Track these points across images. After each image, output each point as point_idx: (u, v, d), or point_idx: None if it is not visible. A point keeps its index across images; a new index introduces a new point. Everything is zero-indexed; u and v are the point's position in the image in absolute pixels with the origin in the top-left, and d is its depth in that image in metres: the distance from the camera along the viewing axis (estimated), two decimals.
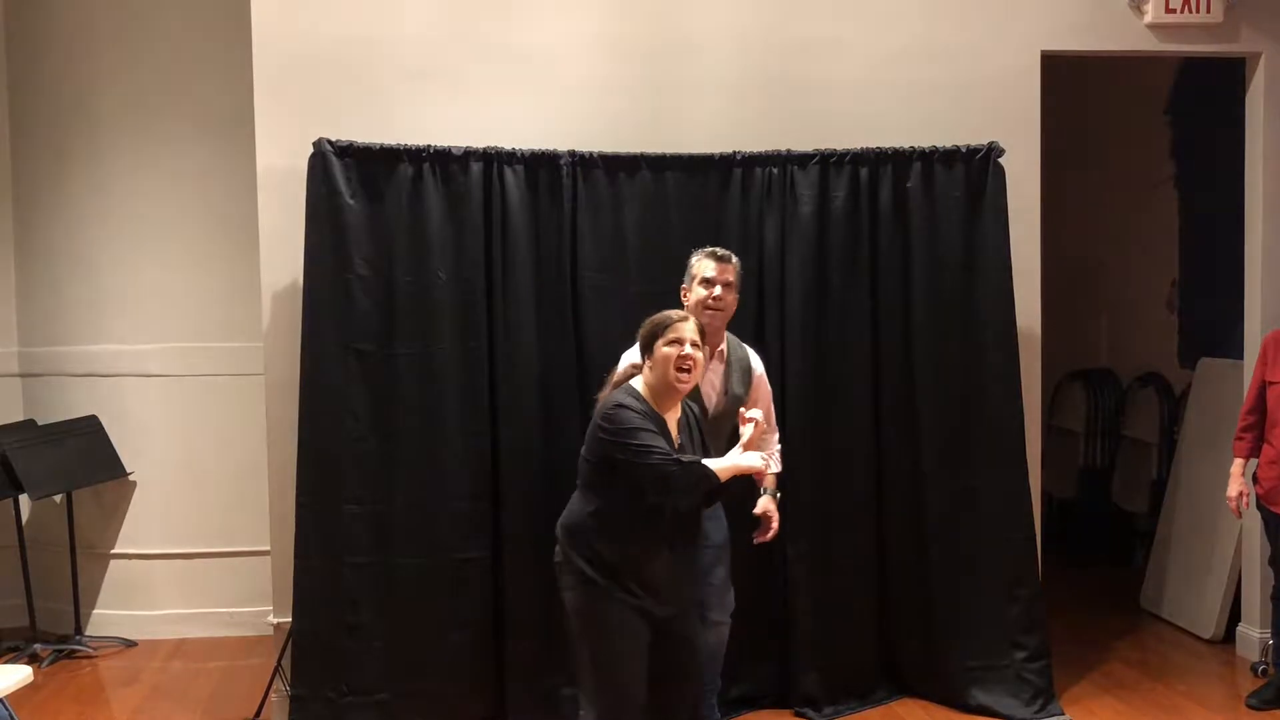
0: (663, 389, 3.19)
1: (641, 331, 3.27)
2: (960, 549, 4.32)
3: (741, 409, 3.36)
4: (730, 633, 4.06)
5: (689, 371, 3.17)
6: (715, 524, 3.92)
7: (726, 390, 3.87)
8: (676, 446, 3.20)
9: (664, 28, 4.46)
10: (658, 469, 3.05)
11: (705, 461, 3.14)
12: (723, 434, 3.87)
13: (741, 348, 3.98)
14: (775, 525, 3.77)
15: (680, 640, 3.23)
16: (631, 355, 3.84)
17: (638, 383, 3.24)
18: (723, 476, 3.12)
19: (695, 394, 3.79)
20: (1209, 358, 5.59)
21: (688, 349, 3.16)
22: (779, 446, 4.02)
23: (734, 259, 3.87)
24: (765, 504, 3.78)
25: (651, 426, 3.12)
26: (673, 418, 3.25)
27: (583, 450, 3.23)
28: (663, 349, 3.17)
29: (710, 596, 3.88)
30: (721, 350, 3.89)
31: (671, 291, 3.89)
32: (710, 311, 3.78)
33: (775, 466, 3.93)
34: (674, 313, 3.27)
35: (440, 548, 4.10)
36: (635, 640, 3.13)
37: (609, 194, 4.26)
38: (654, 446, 3.06)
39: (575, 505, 3.26)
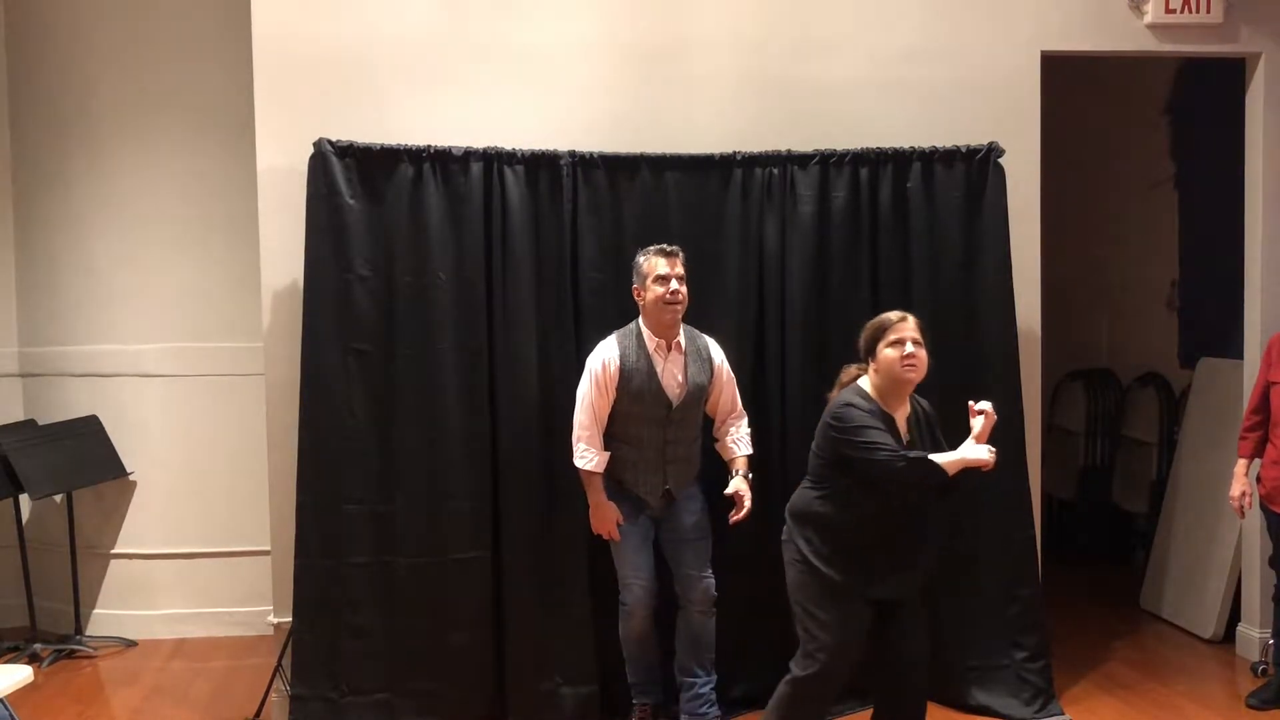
0: (889, 388, 3.35)
1: (863, 336, 3.43)
2: (960, 549, 4.32)
3: (971, 401, 3.40)
4: (729, 630, 4.07)
5: (915, 368, 3.32)
6: (689, 510, 4.01)
7: (687, 381, 3.96)
8: (906, 443, 3.35)
9: (664, 28, 4.46)
10: (885, 464, 3.20)
11: (933, 456, 3.24)
12: (689, 424, 4.00)
13: (700, 338, 4.07)
14: (748, 505, 3.91)
15: (898, 617, 3.42)
16: (600, 351, 3.94)
17: (865, 383, 3.40)
18: (950, 470, 3.23)
19: (655, 383, 3.91)
20: (1209, 358, 5.58)
21: (909, 348, 3.31)
22: (748, 430, 4.11)
23: (680, 252, 3.95)
24: (737, 485, 3.94)
25: (879, 424, 3.27)
26: (902, 415, 3.40)
27: (813, 446, 3.43)
28: (885, 351, 3.33)
29: (687, 587, 3.98)
30: (678, 342, 3.98)
31: None
32: (671, 306, 3.89)
33: (747, 449, 4.06)
34: (892, 314, 3.41)
35: (440, 548, 4.10)
36: (851, 603, 3.34)
37: (609, 194, 4.26)
38: (881, 443, 3.22)
39: (802, 494, 3.48)
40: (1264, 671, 4.67)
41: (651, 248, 3.95)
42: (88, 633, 5.38)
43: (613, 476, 3.97)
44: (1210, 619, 5.15)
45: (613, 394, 3.93)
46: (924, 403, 3.55)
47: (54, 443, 5.25)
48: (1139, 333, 6.57)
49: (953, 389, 4.31)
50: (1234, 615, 5.06)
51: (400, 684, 4.10)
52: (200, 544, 5.49)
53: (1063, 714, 4.26)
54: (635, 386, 3.91)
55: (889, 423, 3.33)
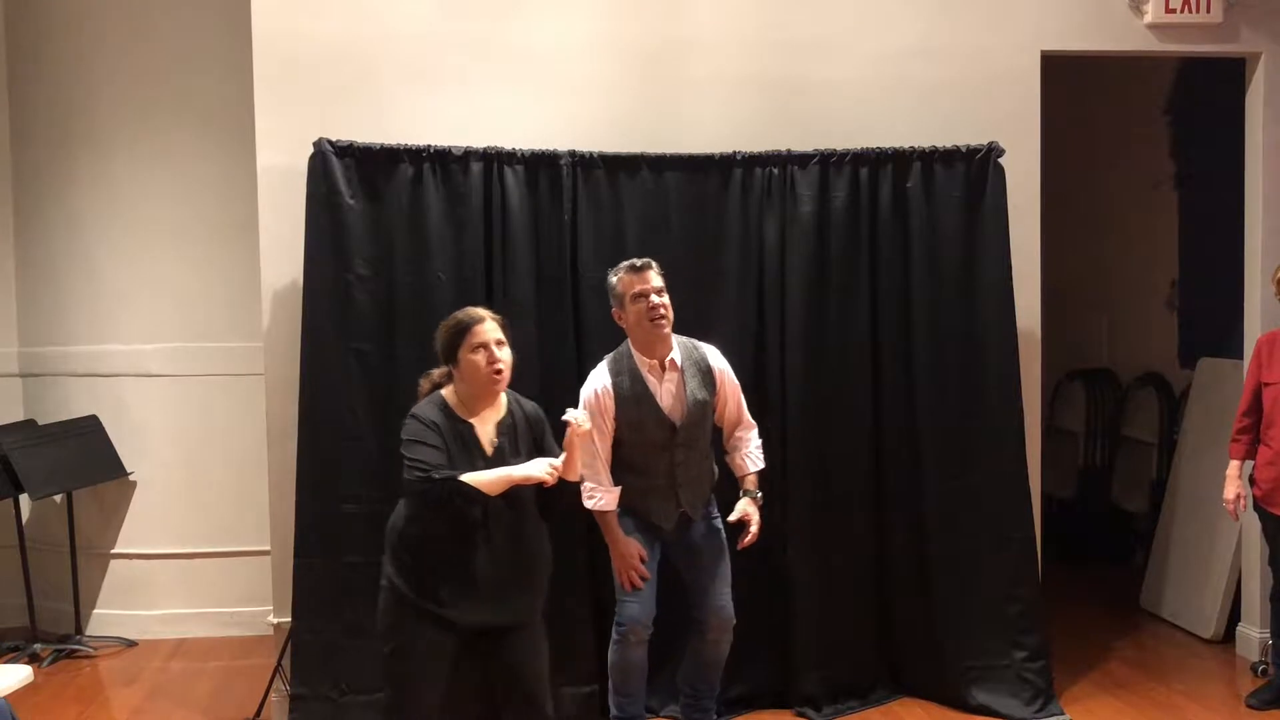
0: (475, 393, 3.16)
1: (440, 339, 3.20)
2: (960, 549, 4.32)
3: (569, 411, 3.22)
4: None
5: (502, 373, 3.13)
6: (705, 533, 3.88)
7: (688, 398, 3.76)
8: (492, 450, 3.13)
9: (664, 28, 4.46)
10: (413, 484, 3.00)
11: (471, 476, 3.02)
12: (697, 443, 3.81)
13: (697, 349, 3.87)
14: (755, 529, 3.79)
15: (511, 642, 3.16)
16: (592, 380, 3.78)
17: (449, 390, 3.19)
18: (490, 489, 3.02)
19: (654, 407, 3.71)
20: (1209, 358, 5.58)
21: (495, 351, 3.12)
22: (759, 442, 3.97)
23: (651, 264, 3.75)
24: (742, 508, 3.79)
25: (432, 440, 3.04)
26: (491, 418, 3.19)
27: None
28: (469, 357, 3.12)
29: (705, 613, 3.86)
30: (673, 359, 3.78)
31: (672, 290, 3.85)
32: (657, 321, 3.68)
33: (758, 464, 3.91)
34: (469, 315, 3.19)
35: None
36: (432, 662, 3.09)
37: (609, 194, 4.26)
38: (420, 461, 3.00)
39: (396, 510, 3.21)
40: (1264, 671, 4.67)
41: (620, 265, 3.77)
42: (88, 633, 5.39)
43: (624, 504, 3.77)
44: (1210, 619, 5.15)
45: (612, 425, 3.73)
46: (527, 405, 3.31)
47: (54, 443, 5.25)
48: (1139, 333, 6.57)
49: (953, 389, 4.34)
50: (1234, 615, 5.06)
51: None
52: (200, 544, 5.49)
53: (1063, 714, 4.26)
54: (633, 414, 3.71)
55: (464, 432, 3.10)
